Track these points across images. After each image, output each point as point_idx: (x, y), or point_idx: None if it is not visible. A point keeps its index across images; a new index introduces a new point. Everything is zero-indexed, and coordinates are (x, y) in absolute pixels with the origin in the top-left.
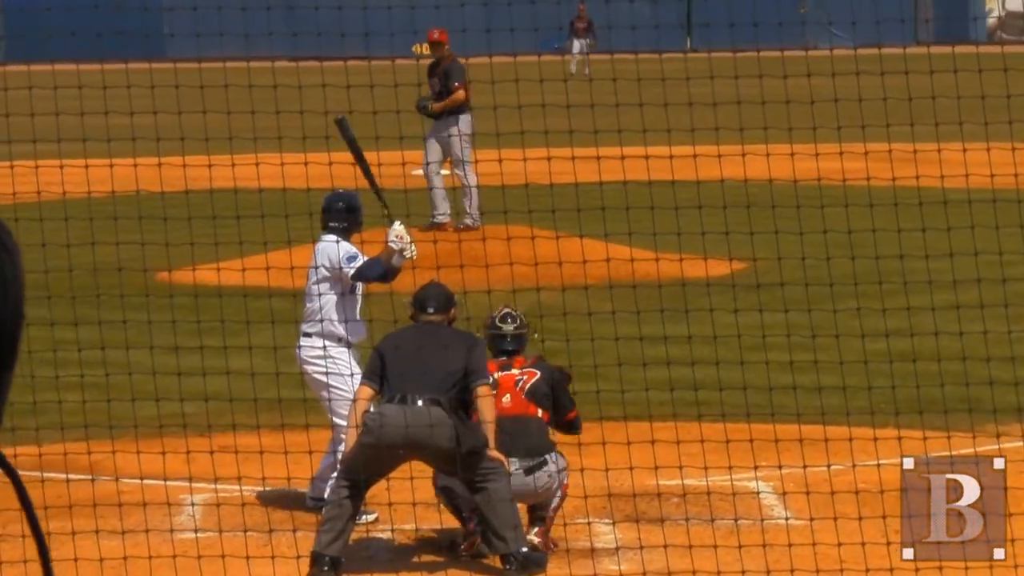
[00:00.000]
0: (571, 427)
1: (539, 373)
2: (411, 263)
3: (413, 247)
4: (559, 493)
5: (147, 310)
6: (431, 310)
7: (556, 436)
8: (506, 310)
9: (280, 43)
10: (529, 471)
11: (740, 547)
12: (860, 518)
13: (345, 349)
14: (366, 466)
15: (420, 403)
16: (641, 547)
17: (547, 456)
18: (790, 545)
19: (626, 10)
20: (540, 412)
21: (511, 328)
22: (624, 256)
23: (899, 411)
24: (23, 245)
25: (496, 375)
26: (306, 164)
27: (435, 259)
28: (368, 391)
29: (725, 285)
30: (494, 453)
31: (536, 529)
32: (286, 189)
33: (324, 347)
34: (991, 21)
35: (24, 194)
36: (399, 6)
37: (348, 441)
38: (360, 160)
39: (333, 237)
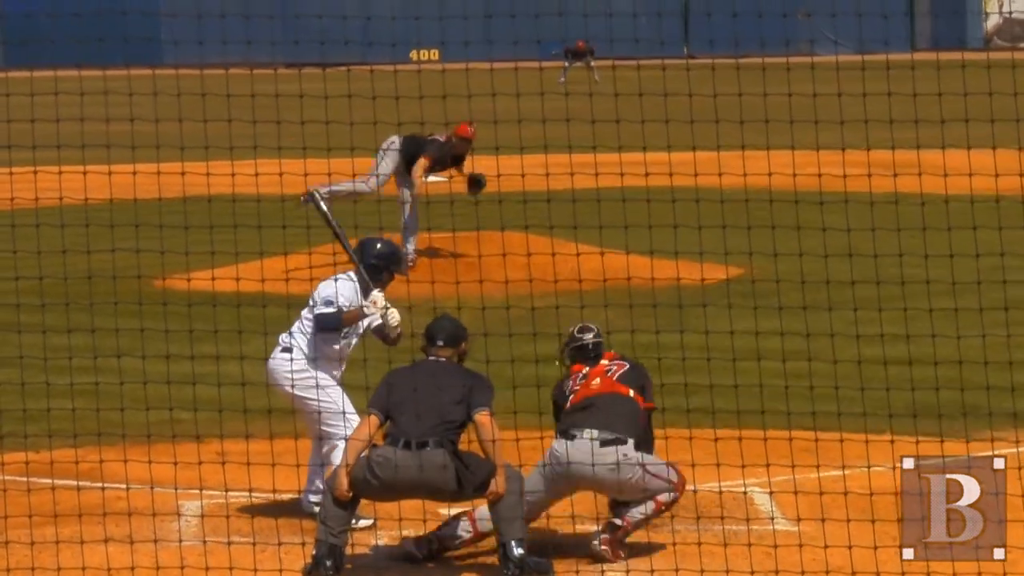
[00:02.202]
0: (648, 417)
1: (627, 365)
2: (397, 334)
3: (393, 318)
4: (646, 506)
5: (164, 317)
6: (440, 343)
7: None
8: (581, 324)
9: (281, 51)
10: (604, 444)
11: (751, 553)
12: (873, 520)
13: (324, 368)
14: (368, 496)
15: (429, 447)
16: (650, 554)
17: (628, 438)
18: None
19: (627, 23)
20: (632, 393)
21: (591, 337)
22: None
23: (892, 415)
24: (51, 252)
25: (586, 369)
26: (306, 176)
27: (454, 273)
28: (376, 421)
29: (739, 293)
30: (500, 479)
31: (602, 536)
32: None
33: (302, 362)
34: (987, 27)
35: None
36: (402, 17)
37: (348, 454)
38: (337, 235)
39: (342, 277)
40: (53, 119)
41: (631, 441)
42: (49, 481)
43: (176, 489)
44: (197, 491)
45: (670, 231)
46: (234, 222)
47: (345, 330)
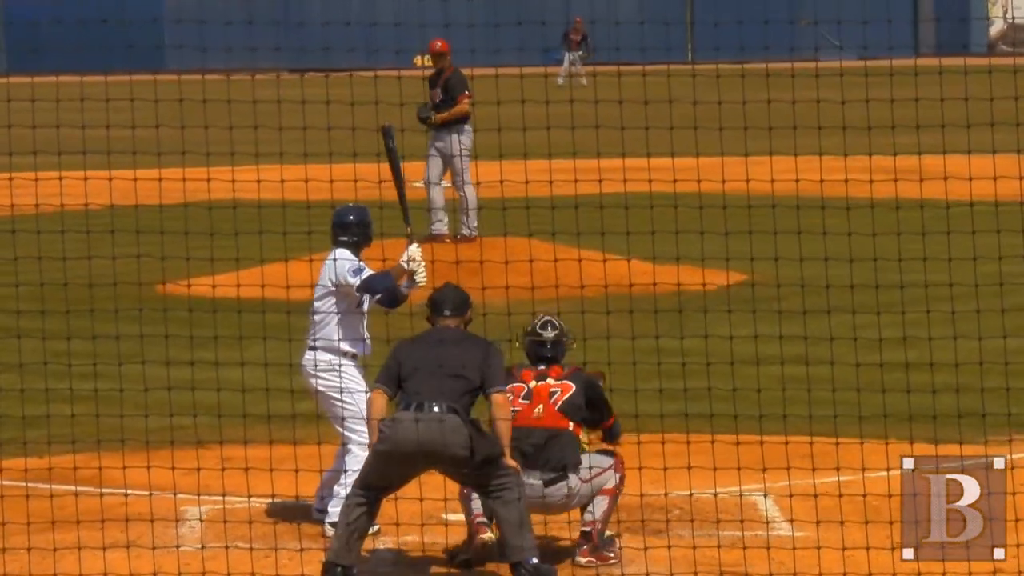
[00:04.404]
0: (611, 433)
1: (575, 387)
2: (420, 289)
3: (423, 272)
4: (606, 500)
5: (164, 323)
6: (447, 312)
7: (592, 444)
8: (546, 317)
9: (286, 57)
10: (547, 484)
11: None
12: (867, 521)
13: (351, 363)
14: (380, 474)
15: (436, 409)
16: (646, 563)
17: (569, 472)
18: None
19: (631, 25)
20: (572, 426)
21: (551, 335)
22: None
23: (912, 424)
24: (52, 258)
25: (531, 384)
26: (306, 182)
27: (448, 271)
28: (383, 397)
29: (740, 298)
30: (509, 461)
31: (583, 548)
32: (285, 204)
33: (328, 361)
34: (992, 33)
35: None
36: (406, 23)
37: (371, 433)
38: (396, 171)
39: (341, 252)
40: (54, 124)
41: (570, 473)
42: (48, 487)
43: (175, 495)
44: (196, 497)
45: (671, 237)
46: (235, 228)
47: (365, 301)
